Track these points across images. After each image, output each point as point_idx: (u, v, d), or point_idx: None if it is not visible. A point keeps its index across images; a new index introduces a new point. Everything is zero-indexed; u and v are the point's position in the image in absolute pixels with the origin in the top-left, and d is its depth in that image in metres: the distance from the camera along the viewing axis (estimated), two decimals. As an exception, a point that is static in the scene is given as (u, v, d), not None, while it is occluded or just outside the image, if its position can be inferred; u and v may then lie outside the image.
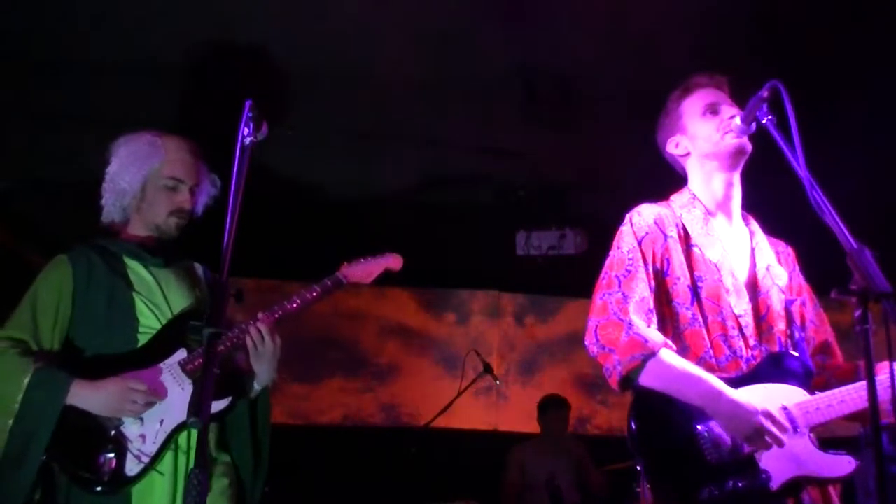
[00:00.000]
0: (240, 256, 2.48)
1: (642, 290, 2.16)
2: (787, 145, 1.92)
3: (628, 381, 2.08)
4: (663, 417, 2.06)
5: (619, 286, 2.16)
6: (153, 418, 2.33)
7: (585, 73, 3.68)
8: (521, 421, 6.10)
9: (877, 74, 3.55)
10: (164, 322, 2.46)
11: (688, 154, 2.37)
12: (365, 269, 2.61)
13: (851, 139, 3.95)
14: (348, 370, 6.19)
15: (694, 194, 2.34)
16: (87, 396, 2.31)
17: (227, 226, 1.87)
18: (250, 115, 1.95)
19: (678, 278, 2.20)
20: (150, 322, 2.43)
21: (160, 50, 3.52)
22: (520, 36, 3.45)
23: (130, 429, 2.33)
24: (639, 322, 2.10)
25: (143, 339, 2.41)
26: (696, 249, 2.23)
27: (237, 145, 1.94)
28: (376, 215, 5.03)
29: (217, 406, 2.40)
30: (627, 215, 2.30)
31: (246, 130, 1.97)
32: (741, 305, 2.17)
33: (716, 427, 2.03)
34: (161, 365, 2.40)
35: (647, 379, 2.07)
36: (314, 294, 2.51)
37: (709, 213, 2.30)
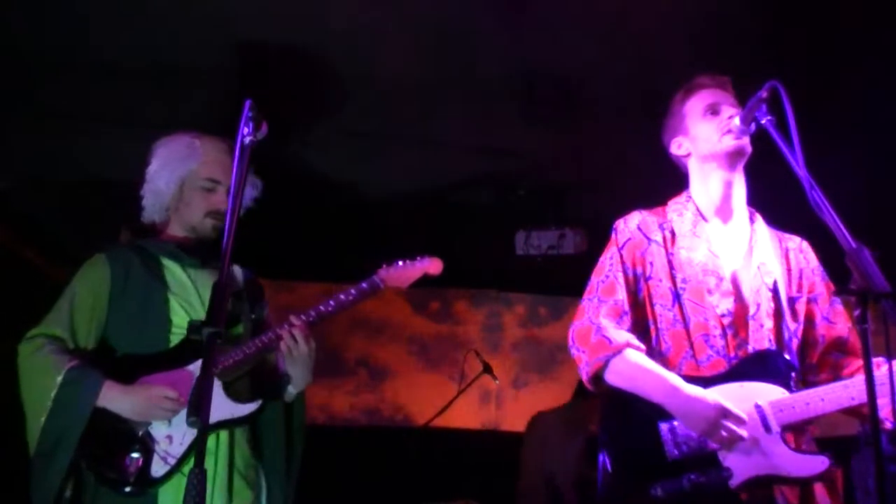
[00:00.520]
0: (248, 257, 2.50)
1: (617, 294, 2.26)
2: (786, 145, 1.92)
3: (597, 380, 2.20)
4: (628, 415, 2.15)
5: (597, 291, 2.29)
6: (180, 420, 2.33)
7: (585, 73, 3.67)
8: (520, 421, 6.09)
9: (877, 74, 3.55)
10: (198, 323, 2.45)
11: (689, 155, 2.38)
12: (403, 273, 2.59)
13: (851, 139, 3.95)
14: (346, 370, 6.19)
15: (689, 196, 2.38)
16: (116, 400, 2.33)
17: (227, 225, 1.87)
18: (250, 114, 1.96)
19: (660, 280, 2.26)
20: (183, 322, 2.44)
21: (160, 50, 3.52)
22: (520, 36, 3.45)
23: (158, 430, 2.34)
24: (607, 324, 2.21)
25: (175, 340, 2.43)
26: (682, 252, 2.27)
27: (237, 145, 1.95)
28: (375, 215, 5.03)
29: (245, 409, 2.40)
30: (615, 223, 2.38)
31: (245, 130, 1.97)
32: (725, 305, 2.19)
33: (680, 424, 2.06)
34: (191, 366, 2.40)
35: (611, 377, 2.18)
36: (350, 297, 2.50)
37: (700, 214, 2.33)
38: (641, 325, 2.26)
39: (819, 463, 2.01)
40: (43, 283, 5.04)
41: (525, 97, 3.87)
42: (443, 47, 3.52)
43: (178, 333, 2.43)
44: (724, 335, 2.17)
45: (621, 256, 2.30)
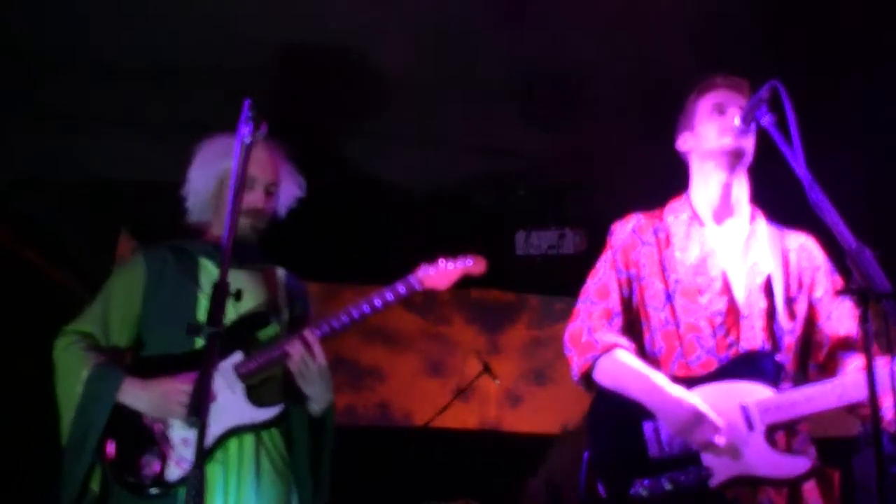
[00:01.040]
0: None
1: (609, 296, 2.30)
2: (786, 145, 1.92)
3: (588, 380, 2.25)
4: (613, 414, 2.18)
5: (590, 293, 2.33)
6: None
7: (585, 73, 3.67)
8: (519, 421, 6.10)
9: (877, 74, 3.55)
10: (226, 323, 2.38)
11: (691, 152, 2.39)
12: (444, 274, 2.50)
13: (851, 139, 3.95)
14: (344, 370, 6.19)
15: (687, 196, 2.38)
16: (136, 395, 2.32)
17: (227, 224, 1.87)
18: (249, 114, 1.96)
19: (652, 282, 2.28)
20: None
21: (161, 50, 3.52)
22: (520, 36, 3.45)
23: (176, 432, 2.32)
24: (597, 326, 2.26)
25: (202, 340, 2.38)
26: (676, 253, 2.28)
27: (236, 145, 1.95)
28: (374, 215, 5.03)
29: (266, 414, 2.37)
30: (612, 226, 2.41)
31: (245, 130, 1.97)
32: (717, 305, 2.20)
33: (664, 425, 2.08)
34: (216, 367, 2.36)
35: (599, 377, 2.23)
36: (385, 301, 2.42)
37: (695, 215, 2.33)
38: (634, 327, 2.29)
39: (800, 464, 2.01)
40: (43, 283, 5.04)
41: (525, 97, 3.87)
42: (443, 47, 3.52)
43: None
44: (715, 335, 2.17)
45: (615, 259, 2.33)
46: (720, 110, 2.30)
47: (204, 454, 2.23)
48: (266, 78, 3.66)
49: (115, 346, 2.45)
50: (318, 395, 2.45)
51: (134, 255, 2.59)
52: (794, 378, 2.18)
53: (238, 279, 2.48)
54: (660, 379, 2.11)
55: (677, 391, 2.08)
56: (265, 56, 3.55)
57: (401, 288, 2.46)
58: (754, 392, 2.07)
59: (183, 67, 3.63)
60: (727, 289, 2.22)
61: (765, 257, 2.27)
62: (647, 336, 2.26)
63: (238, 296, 2.03)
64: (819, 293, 2.27)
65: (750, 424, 2.04)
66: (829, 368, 2.23)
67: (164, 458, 2.28)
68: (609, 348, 2.21)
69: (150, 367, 2.39)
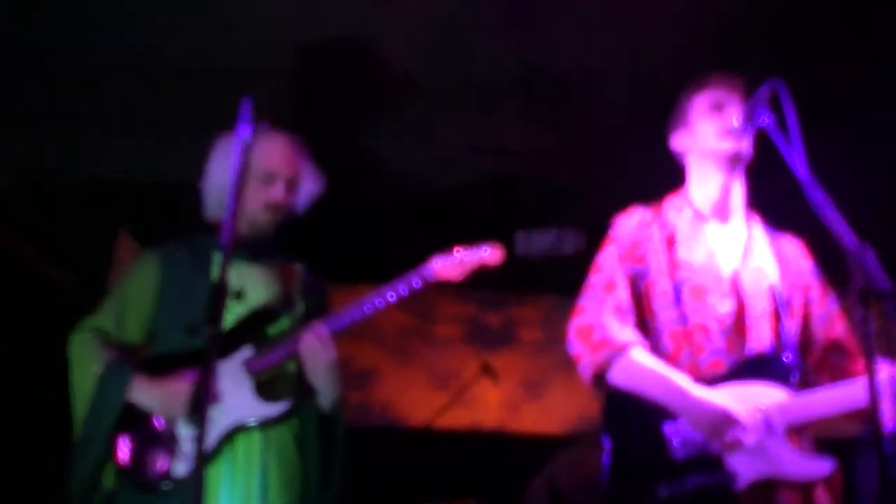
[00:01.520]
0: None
1: (619, 292, 2.22)
2: (786, 145, 1.92)
3: (600, 380, 2.16)
4: (632, 416, 2.11)
5: (598, 289, 2.25)
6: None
7: (585, 73, 3.67)
8: (519, 420, 6.09)
9: (878, 73, 3.55)
10: (236, 318, 2.41)
11: (688, 151, 2.38)
12: (458, 265, 2.43)
13: (851, 139, 3.94)
14: (345, 371, 6.18)
15: (687, 195, 2.36)
16: (143, 393, 2.32)
17: (227, 223, 1.87)
18: (249, 114, 1.96)
19: (659, 280, 2.23)
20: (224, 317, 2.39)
21: (161, 50, 3.52)
22: (520, 36, 3.45)
23: (183, 430, 2.30)
24: (611, 322, 2.17)
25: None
26: (681, 251, 2.25)
27: (235, 144, 1.95)
28: (373, 214, 5.03)
29: (272, 410, 2.34)
30: (614, 220, 2.34)
31: (245, 130, 1.97)
32: (724, 306, 2.18)
33: (684, 426, 2.04)
34: (224, 363, 2.36)
35: (615, 377, 2.14)
36: (396, 296, 2.38)
37: (698, 214, 2.32)
38: (640, 325, 2.23)
39: (824, 465, 2.01)
40: (42, 283, 5.04)
41: (525, 97, 3.87)
42: (443, 47, 3.52)
43: None
44: (724, 336, 2.15)
45: (620, 255, 2.28)
46: (718, 108, 2.29)
47: (206, 452, 2.25)
48: (266, 78, 3.65)
49: (129, 343, 2.45)
50: (326, 389, 2.41)
51: (150, 253, 2.57)
52: (799, 380, 2.18)
53: (251, 274, 2.50)
54: (682, 380, 2.07)
55: (703, 392, 2.04)
56: (265, 56, 3.54)
57: (414, 280, 2.40)
58: (770, 394, 2.06)
59: (183, 67, 3.63)
60: (735, 290, 2.21)
61: (766, 259, 2.28)
62: (653, 334, 2.21)
63: (239, 295, 2.03)
64: (811, 295, 2.29)
65: (769, 426, 2.02)
66: (821, 371, 2.23)
67: (171, 456, 2.27)
68: (627, 347, 2.13)
69: (162, 363, 2.38)
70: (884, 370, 1.94)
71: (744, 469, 1.99)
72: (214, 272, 2.44)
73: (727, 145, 2.24)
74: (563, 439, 5.81)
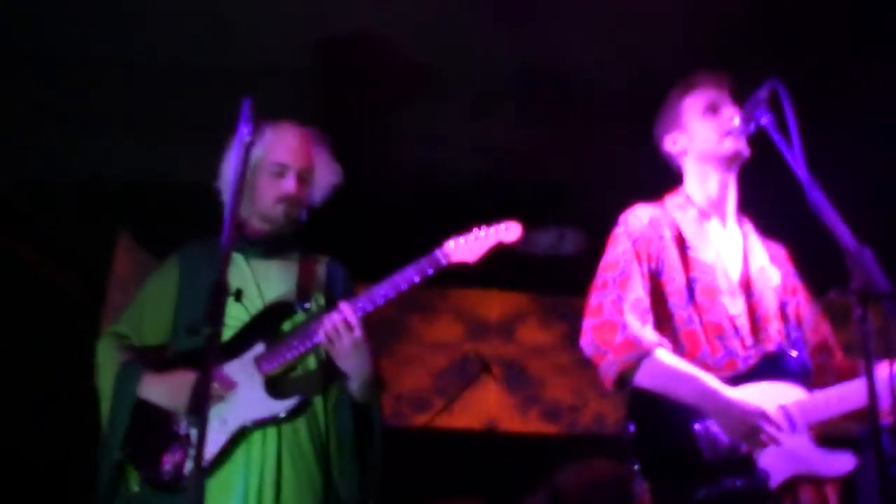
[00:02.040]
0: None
1: (637, 290, 2.16)
2: (785, 145, 1.92)
3: (623, 381, 2.10)
4: (661, 417, 2.06)
5: (615, 287, 2.18)
6: (216, 416, 2.25)
7: (585, 73, 3.67)
8: (519, 420, 6.09)
9: (879, 73, 3.55)
10: (251, 314, 2.40)
11: (685, 152, 2.37)
12: (473, 245, 2.39)
13: (851, 139, 3.94)
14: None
15: (688, 195, 2.36)
16: (154, 389, 2.33)
17: (227, 223, 1.88)
18: (248, 114, 1.96)
19: (673, 279, 2.21)
20: (239, 314, 2.38)
21: (161, 50, 3.52)
22: (520, 35, 3.45)
23: (194, 429, 2.27)
24: (634, 322, 2.11)
25: (228, 333, 2.36)
26: (690, 250, 2.24)
27: (236, 144, 1.95)
28: (373, 214, 5.03)
29: (282, 406, 2.30)
30: (622, 216, 2.32)
31: (245, 130, 1.97)
32: (736, 306, 2.18)
33: (713, 426, 2.03)
34: (236, 360, 2.34)
35: (642, 378, 2.08)
36: (412, 279, 2.34)
37: (702, 214, 2.31)
38: (657, 324, 2.19)
39: (847, 461, 2.01)
40: (42, 283, 5.04)
41: (524, 96, 3.87)
42: (442, 46, 3.52)
43: (231, 326, 2.36)
44: (738, 335, 2.16)
45: (636, 251, 2.22)
46: (713, 110, 2.30)
47: (216, 451, 2.25)
48: (266, 78, 3.66)
49: (150, 346, 2.48)
50: (351, 370, 2.35)
51: (171, 257, 2.58)
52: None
53: (267, 270, 2.49)
54: (712, 380, 2.04)
55: (735, 393, 2.03)
56: (265, 56, 3.55)
57: (426, 266, 2.37)
58: (789, 392, 2.07)
59: (183, 67, 3.63)
60: (745, 289, 2.21)
61: (765, 260, 2.29)
62: (668, 333, 2.18)
63: (238, 295, 2.01)
64: (800, 297, 2.32)
65: (792, 425, 2.02)
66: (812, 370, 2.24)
67: (183, 454, 2.27)
68: (653, 347, 2.08)
69: (176, 363, 2.38)
70: (884, 369, 1.95)
71: (775, 468, 1.98)
72: (230, 269, 2.37)
73: (729, 146, 2.24)
74: (563, 439, 5.82)
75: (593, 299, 2.21)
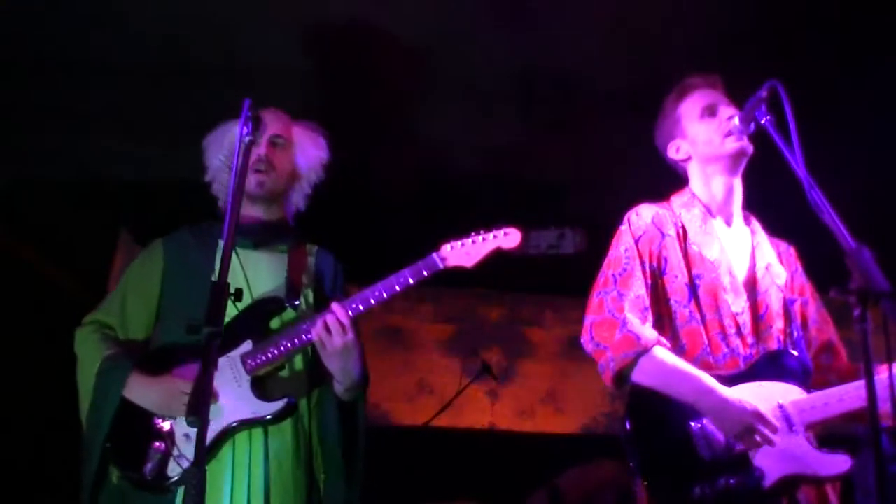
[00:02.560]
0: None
1: (638, 288, 2.17)
2: (785, 145, 1.92)
3: (622, 378, 2.11)
4: (658, 415, 2.08)
5: (615, 284, 2.19)
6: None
7: (585, 73, 3.67)
8: (518, 420, 6.09)
9: (879, 73, 3.55)
10: (241, 309, 2.33)
11: (689, 158, 2.37)
12: (471, 250, 2.32)
13: (851, 139, 3.95)
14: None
15: (694, 194, 2.36)
16: (140, 392, 2.27)
17: (227, 223, 1.87)
18: (248, 114, 1.96)
19: (675, 276, 2.22)
20: (227, 309, 2.32)
21: (161, 50, 3.52)
22: (520, 35, 3.45)
23: (179, 428, 2.24)
24: (633, 319, 2.12)
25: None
26: (694, 248, 2.24)
27: (236, 144, 1.95)
28: (372, 214, 5.03)
29: (269, 408, 2.25)
30: (626, 215, 2.32)
31: (245, 129, 1.97)
32: (739, 304, 2.18)
33: (709, 424, 2.04)
34: (222, 358, 2.27)
35: (639, 376, 2.09)
36: (406, 282, 2.27)
37: (708, 212, 2.31)
38: (657, 321, 2.20)
39: (843, 461, 2.01)
40: (41, 283, 5.04)
41: (524, 96, 3.87)
42: (443, 47, 3.52)
43: None
44: (739, 334, 2.16)
45: (638, 250, 2.24)
46: (711, 111, 2.30)
47: (205, 452, 2.22)
48: (266, 78, 3.66)
49: (132, 336, 2.40)
50: (338, 373, 2.29)
51: (153, 243, 2.52)
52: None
53: (256, 263, 2.43)
54: (709, 379, 2.05)
55: (731, 392, 2.03)
56: (264, 56, 3.55)
57: (422, 269, 2.31)
58: (787, 392, 2.07)
59: (183, 67, 3.63)
60: (749, 288, 2.22)
61: (772, 259, 2.29)
62: (669, 331, 2.19)
63: (237, 296, 1.98)
64: (806, 297, 2.31)
65: (790, 424, 2.03)
66: (814, 371, 2.24)
67: (166, 454, 2.22)
68: (652, 345, 2.09)
69: (163, 357, 2.32)
70: (884, 372, 1.95)
71: (771, 467, 1.99)
72: (216, 259, 2.34)
73: (732, 145, 2.24)
74: (564, 439, 5.82)
75: (595, 296, 2.23)
